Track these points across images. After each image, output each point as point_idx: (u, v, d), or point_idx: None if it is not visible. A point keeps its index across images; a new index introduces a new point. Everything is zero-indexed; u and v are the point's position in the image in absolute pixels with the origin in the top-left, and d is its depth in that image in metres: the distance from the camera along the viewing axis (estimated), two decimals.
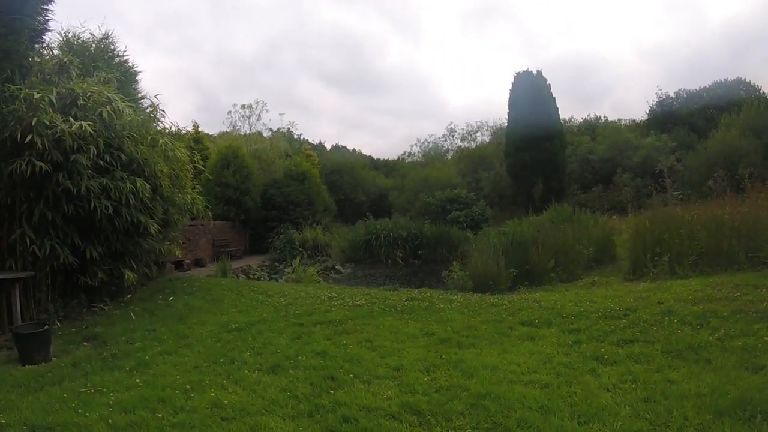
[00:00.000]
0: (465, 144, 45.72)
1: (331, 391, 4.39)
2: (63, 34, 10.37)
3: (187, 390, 4.45)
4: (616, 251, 12.79)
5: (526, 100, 28.67)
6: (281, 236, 21.22)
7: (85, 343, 6.41)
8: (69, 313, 7.77)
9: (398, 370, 4.94)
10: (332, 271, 17.71)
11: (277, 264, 18.62)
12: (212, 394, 4.33)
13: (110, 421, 3.78)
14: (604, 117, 41.19)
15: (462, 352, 5.42)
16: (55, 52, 9.26)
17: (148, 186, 8.05)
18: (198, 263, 16.87)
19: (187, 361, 5.41)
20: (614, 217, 17.73)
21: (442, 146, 47.12)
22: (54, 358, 5.69)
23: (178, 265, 14.55)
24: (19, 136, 6.69)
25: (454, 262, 12.34)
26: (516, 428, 3.51)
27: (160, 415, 3.91)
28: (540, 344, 5.58)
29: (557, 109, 29.36)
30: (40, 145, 6.73)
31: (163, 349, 5.90)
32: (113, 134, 7.84)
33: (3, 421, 3.78)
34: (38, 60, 8.43)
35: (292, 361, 5.30)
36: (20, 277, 6.67)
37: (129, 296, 9.07)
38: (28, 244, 6.93)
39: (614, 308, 6.55)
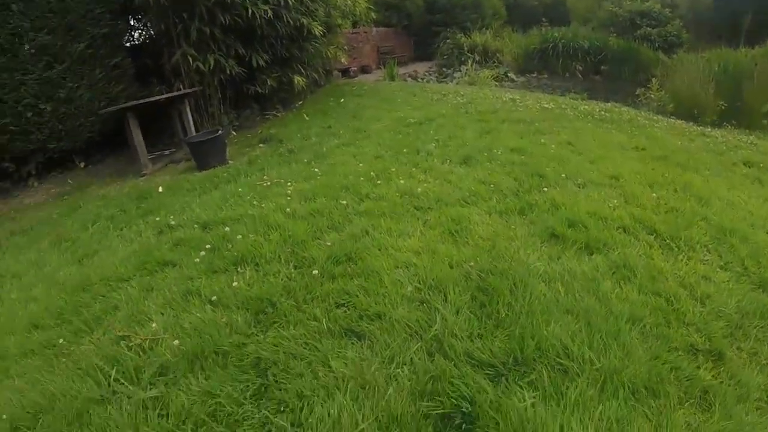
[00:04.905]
0: None
1: (544, 189, 3.55)
2: None
3: (372, 178, 3.86)
4: None
5: None
6: (447, 41, 19.62)
7: (261, 145, 6.25)
8: (243, 123, 7.77)
9: (615, 179, 3.99)
10: (505, 78, 16.20)
11: (444, 69, 17.56)
12: (401, 182, 3.69)
13: (288, 210, 3.30)
14: None
15: (686, 175, 4.29)
16: None
17: None
18: (364, 70, 16.34)
19: (367, 152, 4.85)
20: None
21: None
22: (230, 161, 5.57)
23: (345, 72, 14.17)
24: None
25: (653, 79, 10.85)
26: None
27: (344, 202, 3.36)
28: None
29: None
30: None
31: (340, 142, 5.47)
32: None
33: (173, 223, 3.46)
34: None
35: (485, 154, 4.47)
36: (188, 92, 6.53)
37: (300, 102, 8.87)
38: (191, 62, 6.64)
39: None
